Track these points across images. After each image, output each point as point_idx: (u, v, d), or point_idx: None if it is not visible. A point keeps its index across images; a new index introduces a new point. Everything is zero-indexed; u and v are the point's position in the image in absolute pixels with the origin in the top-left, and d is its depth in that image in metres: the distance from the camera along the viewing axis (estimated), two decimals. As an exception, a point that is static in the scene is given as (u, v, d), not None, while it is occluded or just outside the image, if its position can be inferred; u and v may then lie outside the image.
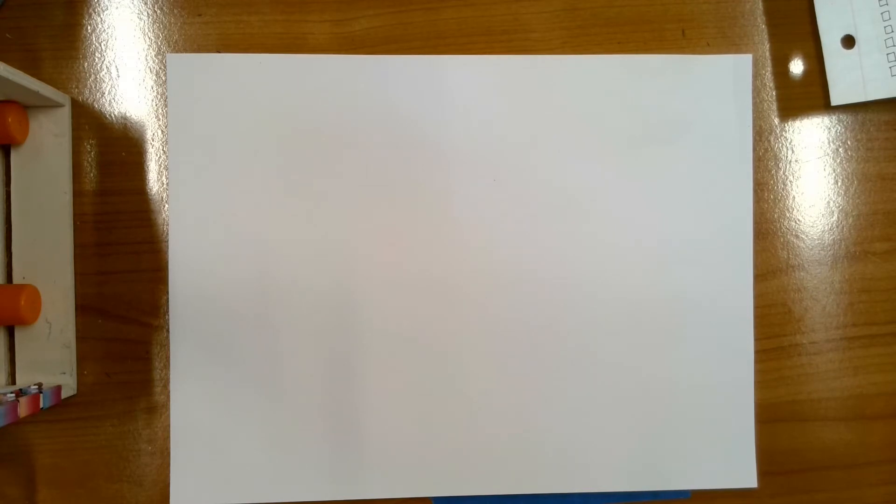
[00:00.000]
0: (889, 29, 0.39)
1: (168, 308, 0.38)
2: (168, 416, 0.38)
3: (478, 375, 0.38)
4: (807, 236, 0.40)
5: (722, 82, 0.39)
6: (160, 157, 0.38)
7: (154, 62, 0.39)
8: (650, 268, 0.39)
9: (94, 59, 0.39)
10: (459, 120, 0.39)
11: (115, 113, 0.39)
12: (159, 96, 0.39)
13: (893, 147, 0.40)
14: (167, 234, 0.38)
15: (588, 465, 0.39)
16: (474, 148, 0.39)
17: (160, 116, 0.39)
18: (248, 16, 0.39)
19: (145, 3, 0.39)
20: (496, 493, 0.39)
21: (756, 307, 0.39)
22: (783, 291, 0.40)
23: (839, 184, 0.40)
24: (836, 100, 0.39)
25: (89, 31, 0.39)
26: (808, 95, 0.40)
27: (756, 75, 0.40)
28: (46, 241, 0.37)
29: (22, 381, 0.37)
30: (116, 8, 0.39)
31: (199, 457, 0.38)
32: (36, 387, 0.35)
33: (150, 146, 0.39)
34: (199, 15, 0.39)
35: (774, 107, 0.40)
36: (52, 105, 0.37)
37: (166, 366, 0.38)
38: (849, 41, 0.39)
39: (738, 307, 0.39)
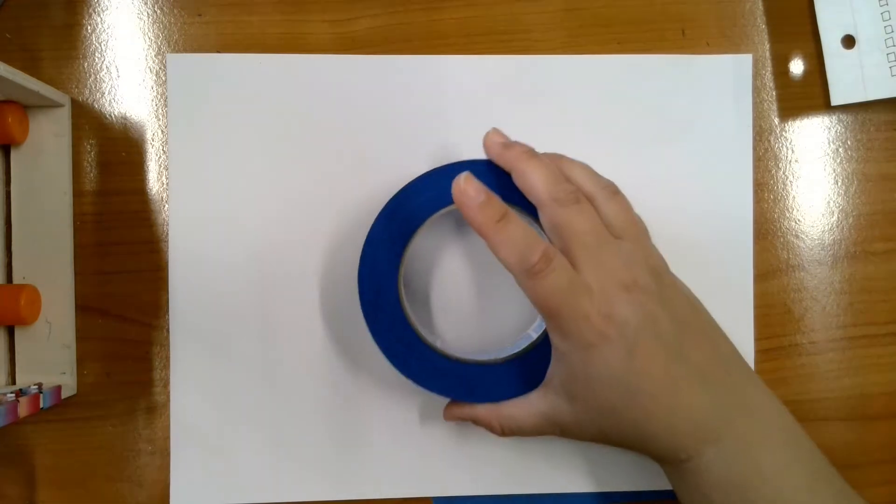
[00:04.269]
0: (889, 29, 0.39)
1: (168, 308, 0.38)
2: (168, 416, 0.38)
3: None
4: (807, 236, 0.40)
5: (722, 82, 0.39)
6: (160, 157, 0.38)
7: (154, 62, 0.39)
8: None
9: (94, 59, 0.39)
10: (459, 120, 0.39)
11: (115, 113, 0.39)
12: (159, 96, 0.39)
13: (893, 147, 0.40)
14: (167, 234, 0.38)
15: (588, 465, 0.39)
16: (474, 148, 0.39)
17: (160, 116, 0.39)
18: (248, 16, 0.39)
19: (145, 3, 0.39)
20: (496, 493, 0.39)
21: (756, 307, 0.39)
22: (783, 291, 0.40)
23: (839, 184, 0.40)
24: (836, 100, 0.39)
25: (89, 31, 0.39)
26: (808, 95, 0.40)
27: (756, 75, 0.40)
28: (46, 241, 0.37)
29: (22, 381, 0.37)
30: (116, 8, 0.39)
31: (199, 457, 0.38)
32: (36, 387, 0.35)
33: (150, 146, 0.39)
34: (199, 15, 0.39)
35: (774, 107, 0.40)
36: (52, 105, 0.37)
37: (166, 366, 0.38)
38: (849, 41, 0.39)
39: (738, 307, 0.39)
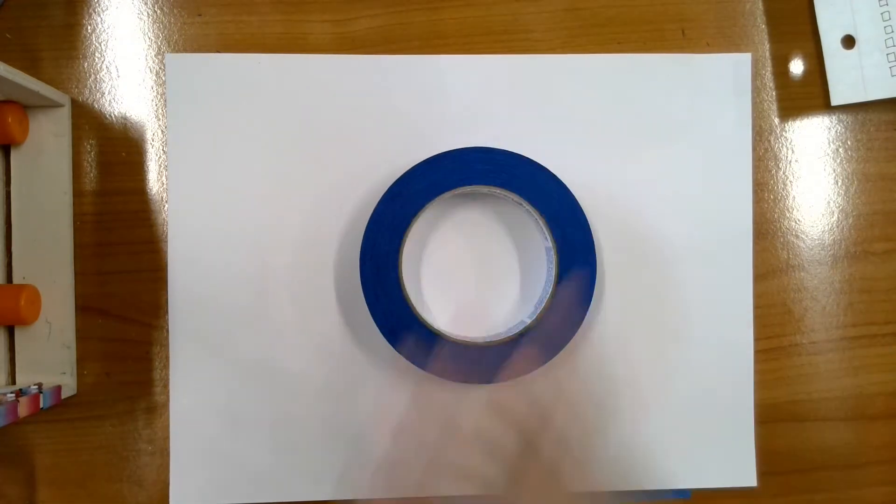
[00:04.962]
0: (889, 29, 0.39)
1: (168, 308, 0.38)
2: (168, 416, 0.38)
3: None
4: (807, 236, 0.40)
5: (722, 82, 0.39)
6: (160, 157, 0.38)
7: (154, 62, 0.39)
8: (650, 267, 0.39)
9: (94, 59, 0.39)
10: (459, 120, 0.39)
11: (115, 113, 0.39)
12: (159, 96, 0.39)
13: (893, 147, 0.40)
14: (167, 234, 0.38)
15: (588, 465, 0.39)
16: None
17: (160, 116, 0.39)
18: (248, 16, 0.39)
19: (145, 3, 0.39)
20: (496, 492, 0.38)
21: (756, 307, 0.39)
22: (783, 291, 0.40)
23: (839, 184, 0.40)
24: (836, 100, 0.39)
25: (89, 31, 0.39)
26: (808, 95, 0.40)
27: (756, 75, 0.40)
28: (46, 241, 0.37)
29: (22, 381, 0.37)
30: (116, 8, 0.39)
31: (199, 457, 0.38)
32: (36, 387, 0.35)
33: (150, 146, 0.39)
34: (199, 15, 0.39)
35: (774, 107, 0.40)
36: (52, 105, 0.37)
37: (166, 366, 0.38)
38: (849, 41, 0.39)
39: (737, 307, 0.39)
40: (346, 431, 0.38)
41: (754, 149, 0.40)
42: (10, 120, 0.35)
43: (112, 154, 0.38)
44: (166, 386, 0.38)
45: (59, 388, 0.36)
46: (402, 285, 0.36)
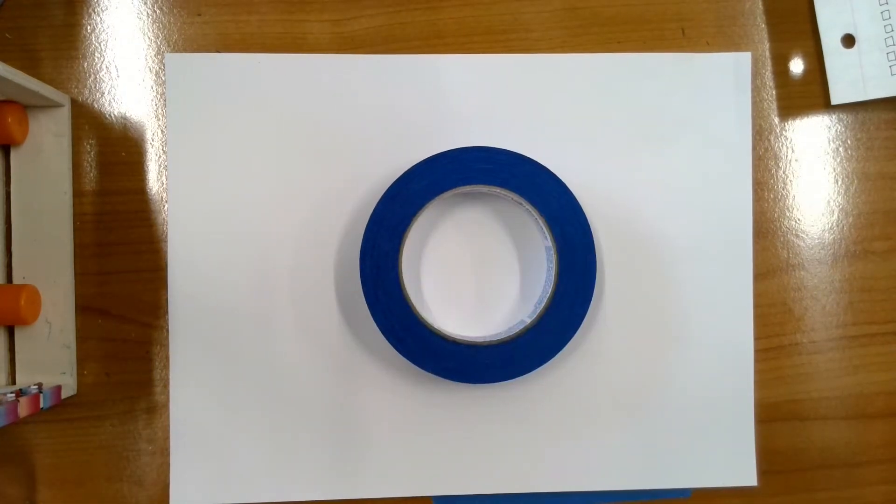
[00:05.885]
0: (889, 28, 0.39)
1: (168, 308, 0.38)
2: (168, 416, 0.38)
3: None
4: (807, 235, 0.40)
5: (722, 80, 0.39)
6: (160, 156, 0.39)
7: (154, 62, 0.39)
8: (650, 266, 0.39)
9: (94, 59, 0.39)
10: (459, 119, 0.39)
11: (115, 113, 0.39)
12: (159, 96, 0.39)
13: (893, 146, 0.40)
14: (167, 234, 0.38)
15: (588, 465, 0.39)
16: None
17: (160, 116, 0.39)
18: (247, 16, 0.39)
19: (145, 3, 0.39)
20: (496, 492, 0.39)
21: (756, 306, 0.39)
22: (783, 291, 0.40)
23: (839, 183, 0.40)
24: (836, 99, 0.39)
25: (89, 31, 0.39)
26: (808, 94, 0.40)
27: (756, 74, 0.40)
28: (46, 241, 0.37)
29: (22, 381, 0.37)
30: (116, 8, 0.39)
31: (199, 457, 0.38)
32: (36, 387, 0.35)
33: (150, 146, 0.39)
34: (199, 15, 0.39)
35: (774, 106, 0.40)
36: (52, 105, 0.37)
37: (166, 366, 0.38)
38: (849, 40, 0.39)
39: (737, 307, 0.39)
40: (345, 431, 0.38)
41: (754, 148, 0.40)
42: (10, 120, 0.35)
43: (112, 154, 0.38)
44: (166, 386, 0.38)
45: (59, 388, 0.36)
46: (402, 285, 0.36)
